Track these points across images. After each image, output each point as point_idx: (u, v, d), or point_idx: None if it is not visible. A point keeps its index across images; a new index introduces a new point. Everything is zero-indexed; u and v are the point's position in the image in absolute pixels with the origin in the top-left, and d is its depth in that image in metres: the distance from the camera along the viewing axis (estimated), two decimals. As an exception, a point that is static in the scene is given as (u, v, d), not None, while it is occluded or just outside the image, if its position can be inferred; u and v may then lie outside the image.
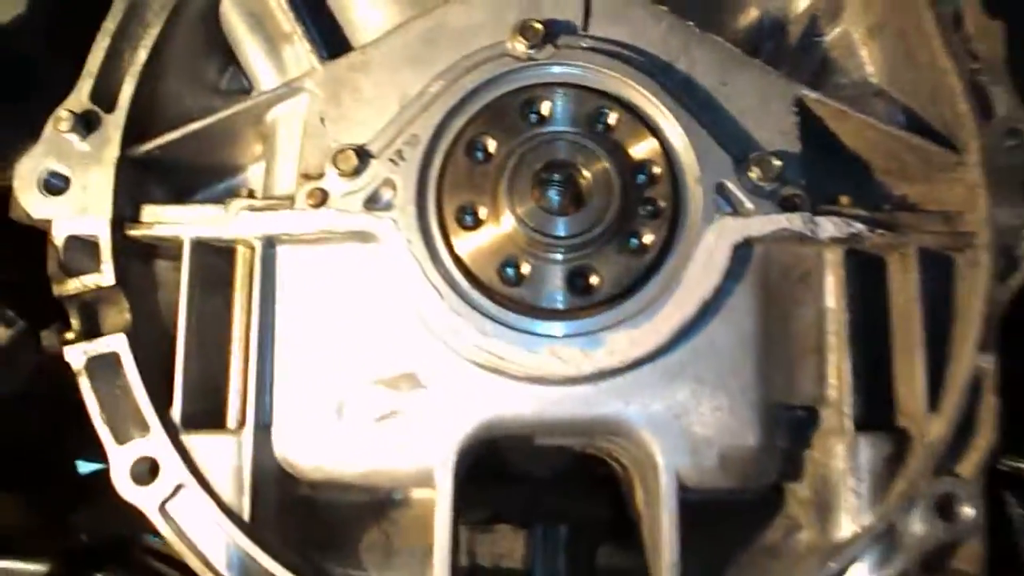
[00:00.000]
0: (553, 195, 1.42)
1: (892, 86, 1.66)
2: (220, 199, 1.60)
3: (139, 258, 1.53)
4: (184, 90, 1.62)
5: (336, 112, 1.51)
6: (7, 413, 1.67)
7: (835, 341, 1.49)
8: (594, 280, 1.44)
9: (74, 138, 1.46)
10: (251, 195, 1.54)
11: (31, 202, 1.45)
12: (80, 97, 1.48)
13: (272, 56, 1.60)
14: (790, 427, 1.51)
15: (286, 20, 1.57)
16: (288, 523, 1.51)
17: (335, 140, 1.50)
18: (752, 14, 1.71)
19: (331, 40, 1.61)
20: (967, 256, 1.51)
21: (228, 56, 1.67)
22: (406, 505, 1.58)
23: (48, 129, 1.47)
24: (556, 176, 1.43)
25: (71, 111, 1.46)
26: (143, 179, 1.53)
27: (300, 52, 1.57)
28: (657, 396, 1.44)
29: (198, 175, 1.62)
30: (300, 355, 1.47)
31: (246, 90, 1.68)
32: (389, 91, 1.51)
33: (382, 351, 1.45)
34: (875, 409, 1.51)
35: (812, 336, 1.50)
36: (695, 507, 1.45)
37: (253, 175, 1.63)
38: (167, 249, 1.54)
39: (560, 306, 1.43)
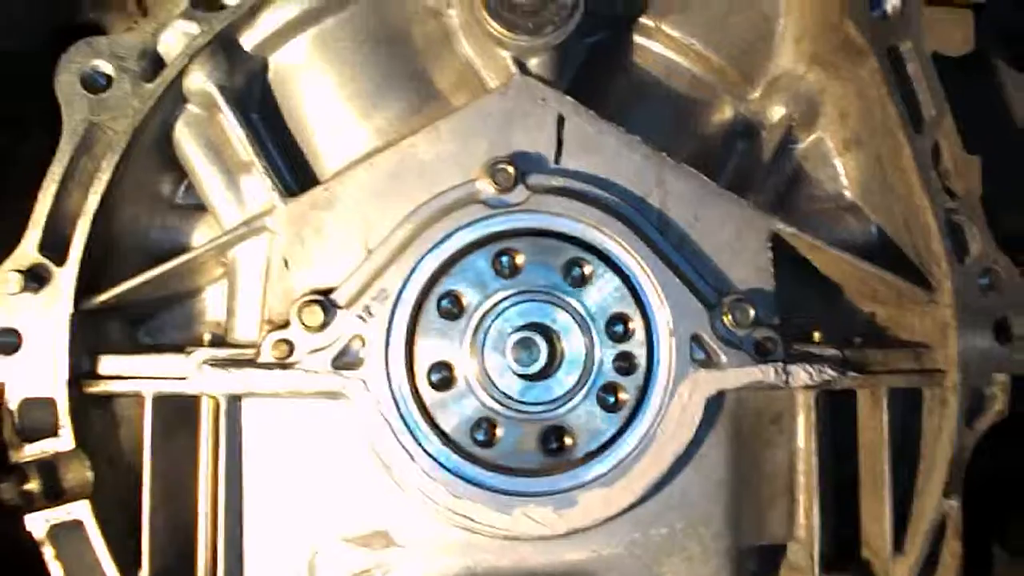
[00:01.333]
0: (528, 359, 1.39)
1: (866, 203, 1.64)
2: (180, 325, 1.57)
3: (98, 405, 1.48)
4: (140, 211, 1.55)
5: (300, 253, 1.46)
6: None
7: (805, 481, 1.50)
8: (567, 440, 1.43)
9: (24, 296, 1.40)
10: (213, 339, 1.48)
11: (-16, 363, 1.39)
12: (27, 250, 1.41)
13: (231, 188, 1.52)
14: (759, 560, 1.54)
15: (245, 150, 1.49)
16: None
17: (300, 284, 1.45)
18: (727, 113, 1.67)
19: (293, 166, 1.54)
20: (936, 393, 1.52)
21: (182, 172, 1.60)
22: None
23: (-4, 288, 1.40)
24: (531, 338, 1.40)
25: (18, 270, 1.38)
26: (99, 326, 1.47)
27: (260, 185, 1.50)
28: (629, 546, 1.45)
29: (155, 306, 1.56)
30: (269, 510, 1.45)
31: (202, 205, 1.61)
32: (355, 230, 1.45)
33: (353, 508, 1.44)
34: (843, 543, 1.54)
35: (783, 477, 1.51)
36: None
37: (213, 296, 1.58)
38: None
39: (533, 466, 1.43)
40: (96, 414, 1.48)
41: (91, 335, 1.45)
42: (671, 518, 1.45)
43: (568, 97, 1.49)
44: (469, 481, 1.41)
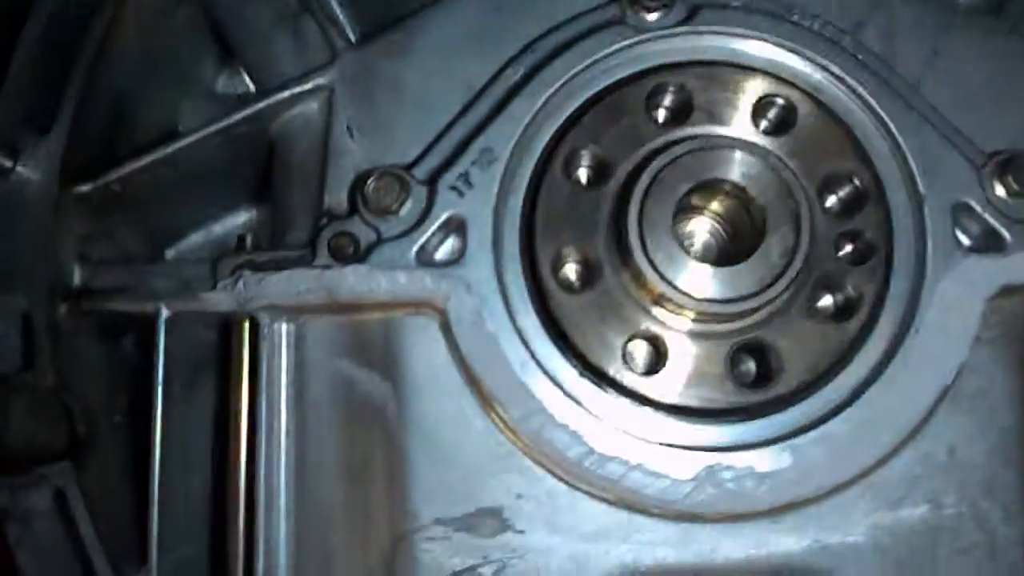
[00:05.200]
0: (709, 235, 0.92)
1: None
2: (215, 246, 1.18)
3: (95, 339, 1.08)
4: (170, 93, 1.19)
5: (369, 119, 1.06)
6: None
7: None
8: (773, 362, 0.95)
9: (-2, 173, 1.01)
10: (254, 245, 1.07)
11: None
12: (3, 114, 1.03)
13: (282, 37, 1.12)
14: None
15: (301, -12, 1.10)
16: None
17: (370, 158, 1.04)
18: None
19: (364, 15, 1.13)
20: None
21: (224, 56, 1.22)
22: None
23: (-45, 163, 1.02)
24: (712, 206, 0.93)
25: (-11, 134, 1.00)
26: (98, 228, 1.07)
27: (317, 33, 1.10)
28: (871, 532, 0.95)
29: (177, 219, 1.18)
30: (328, 481, 1.00)
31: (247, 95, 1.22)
32: (443, 85, 1.06)
33: (449, 475, 0.97)
34: None
35: (1101, 431, 0.99)
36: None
37: (253, 218, 1.20)
38: (131, 327, 1.09)
39: (723, 404, 0.95)
40: (92, 347, 1.07)
41: (87, 238, 1.06)
42: (936, 486, 0.96)
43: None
44: (624, 430, 0.94)
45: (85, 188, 1.05)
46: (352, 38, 1.10)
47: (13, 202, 1.03)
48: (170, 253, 1.22)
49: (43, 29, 1.07)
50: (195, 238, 1.22)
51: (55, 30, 1.07)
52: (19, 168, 1.04)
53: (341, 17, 1.12)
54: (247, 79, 1.24)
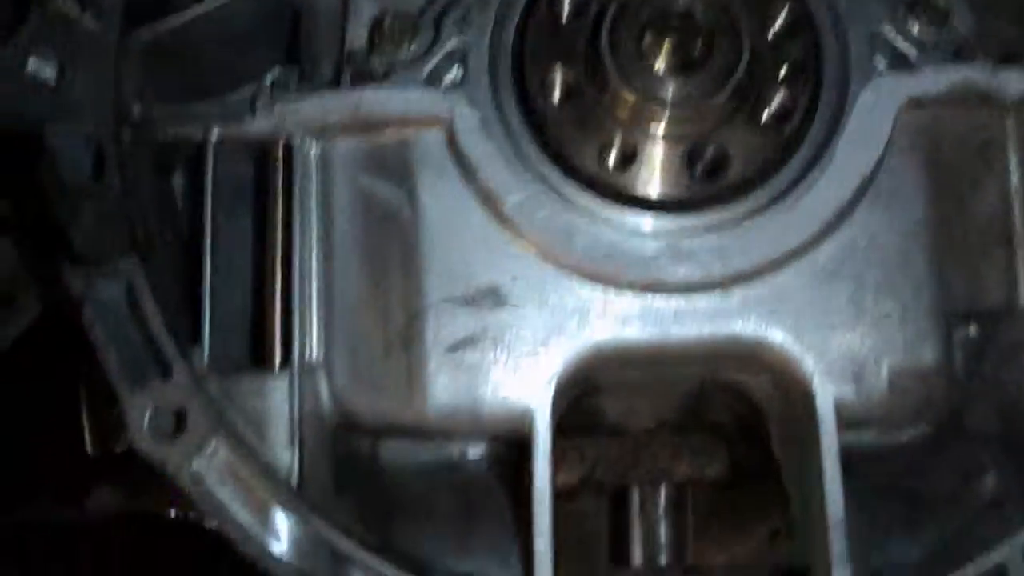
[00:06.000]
0: (667, 50, 1.11)
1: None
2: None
3: (148, 170, 1.25)
4: None
5: (381, -24, 1.23)
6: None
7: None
8: (722, 159, 1.13)
9: (67, 18, 1.19)
10: (284, 85, 1.26)
11: (18, 98, 1.17)
12: (69, -32, 1.21)
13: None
14: (969, 342, 1.20)
15: None
16: (345, 486, 1.22)
17: (382, 9, 1.22)
18: None
19: None
20: None
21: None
22: (484, 464, 1.30)
23: (33, 8, 1.19)
24: (670, 25, 1.12)
25: (56, -7, 1.18)
26: (152, 72, 1.25)
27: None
28: (806, 305, 1.13)
29: (213, 77, 1.31)
30: (352, 274, 1.18)
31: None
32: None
33: (454, 262, 1.16)
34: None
35: (997, 224, 1.18)
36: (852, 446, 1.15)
37: (283, 76, 1.34)
38: (181, 159, 1.27)
39: (681, 194, 1.13)
40: (146, 178, 1.24)
41: (141, 81, 1.23)
42: (858, 267, 1.13)
43: None
44: (600, 217, 1.13)
45: (142, 34, 1.23)
46: None
47: (82, 45, 1.22)
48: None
49: None
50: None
51: None
52: (86, 14, 1.22)
53: None
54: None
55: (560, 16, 1.16)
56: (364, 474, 1.27)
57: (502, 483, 1.29)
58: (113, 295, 1.16)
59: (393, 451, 1.27)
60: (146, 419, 1.12)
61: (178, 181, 1.31)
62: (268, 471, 1.13)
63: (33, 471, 1.56)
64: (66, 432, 1.60)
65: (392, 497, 1.28)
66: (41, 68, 1.19)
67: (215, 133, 1.20)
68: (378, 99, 1.16)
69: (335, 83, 1.21)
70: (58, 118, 1.18)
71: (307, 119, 1.18)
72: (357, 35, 1.22)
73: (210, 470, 1.12)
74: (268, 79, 1.33)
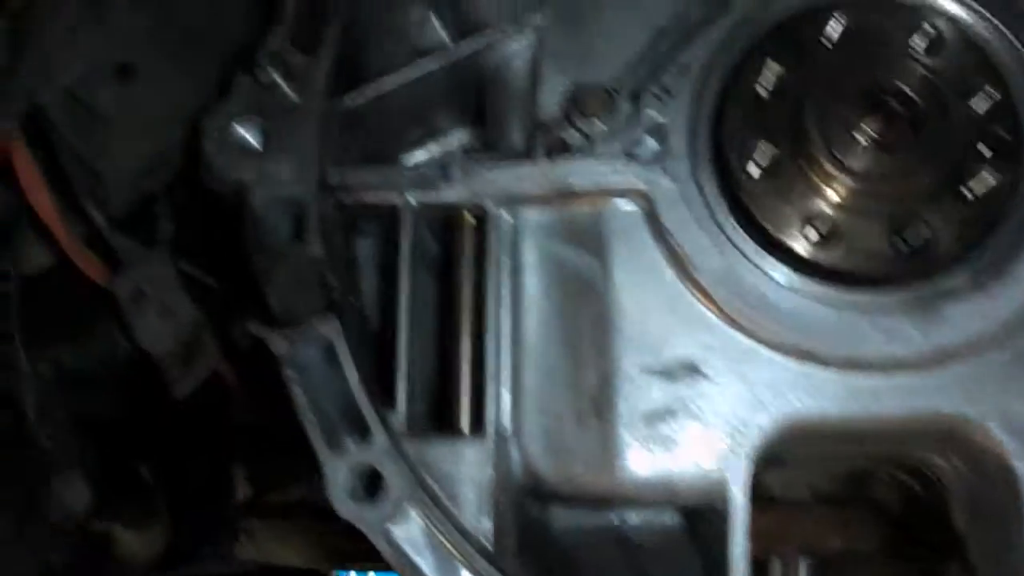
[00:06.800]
0: (875, 127, 1.12)
1: None
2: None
3: (339, 233, 1.29)
4: (382, 39, 1.37)
5: (575, 47, 1.25)
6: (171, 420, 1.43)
7: None
8: (927, 234, 1.13)
9: (273, 88, 1.23)
10: (474, 150, 1.29)
11: (224, 163, 1.22)
12: (278, 39, 1.25)
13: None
14: None
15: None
16: (527, 552, 1.23)
17: (576, 80, 1.24)
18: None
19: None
20: None
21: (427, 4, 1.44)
22: (648, 530, 1.29)
23: (241, 78, 1.24)
24: (880, 102, 1.13)
25: (271, 53, 1.23)
26: (344, 138, 1.29)
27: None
28: (1010, 384, 1.12)
29: (401, 135, 1.36)
30: (544, 341, 1.20)
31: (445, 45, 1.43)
32: (636, 17, 1.25)
33: (648, 332, 1.16)
34: None
35: None
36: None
37: (465, 136, 1.38)
38: (367, 222, 1.30)
39: (883, 269, 1.13)
40: (338, 236, 1.28)
41: (338, 145, 1.27)
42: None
43: None
44: (801, 290, 1.13)
45: (342, 103, 1.28)
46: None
47: (286, 114, 1.25)
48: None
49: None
50: (409, 159, 1.40)
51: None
52: (291, 84, 1.27)
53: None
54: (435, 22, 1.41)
55: (761, 90, 1.17)
56: (537, 538, 1.27)
57: (671, 549, 1.29)
58: (313, 357, 1.18)
59: (561, 515, 1.28)
60: (344, 480, 1.15)
61: (362, 243, 1.35)
62: (462, 535, 1.13)
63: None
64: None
65: (563, 561, 1.28)
66: (247, 135, 1.24)
67: (410, 200, 1.23)
68: (576, 172, 1.18)
69: (527, 152, 1.23)
70: (261, 183, 1.24)
71: (502, 189, 1.20)
72: (549, 104, 1.24)
73: (406, 533, 1.13)
74: (454, 141, 1.37)
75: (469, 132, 1.36)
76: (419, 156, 1.38)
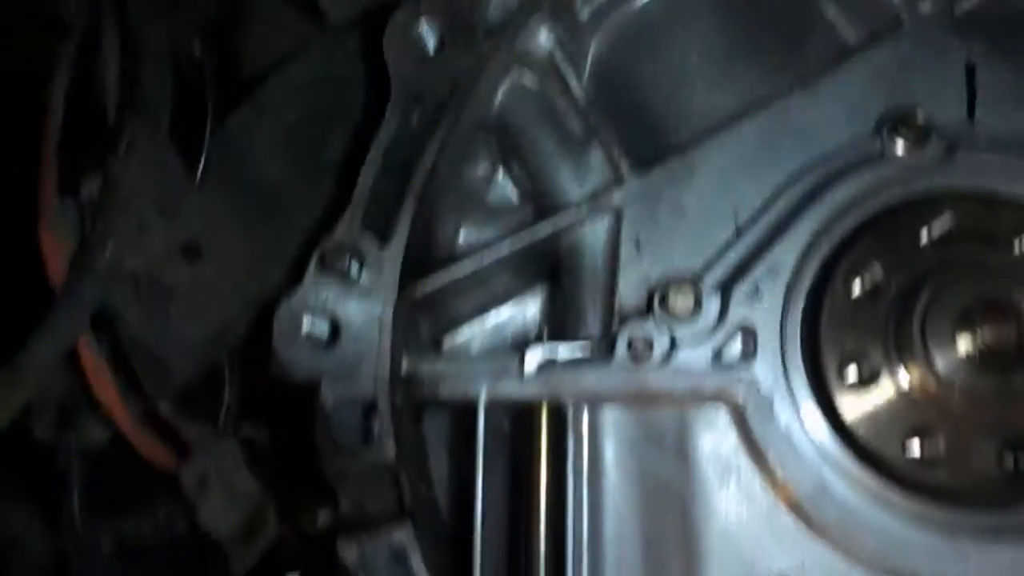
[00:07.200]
0: (983, 339, 1.07)
1: None
2: (488, 337, 1.32)
3: (412, 422, 1.25)
4: (451, 202, 1.33)
5: (654, 234, 1.21)
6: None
7: None
8: (1034, 454, 1.08)
9: (345, 278, 1.20)
10: (538, 336, 1.24)
11: (294, 357, 1.19)
12: (350, 226, 1.22)
13: (568, 163, 1.28)
14: None
15: (587, 120, 1.27)
16: None
17: (655, 269, 1.19)
18: None
19: (639, 142, 1.29)
20: None
21: (493, 162, 1.40)
22: None
23: (312, 267, 1.21)
24: (989, 313, 1.07)
25: (342, 243, 1.19)
26: (415, 324, 1.25)
27: (601, 159, 1.27)
28: None
29: (459, 313, 1.31)
30: (624, 547, 1.14)
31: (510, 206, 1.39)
32: (720, 203, 1.21)
33: (738, 545, 1.11)
34: None
35: None
36: None
37: (531, 308, 1.33)
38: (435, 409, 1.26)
39: (989, 489, 1.07)
40: (408, 425, 1.24)
41: (409, 333, 1.24)
42: None
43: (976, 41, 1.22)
44: (905, 515, 1.07)
45: (413, 291, 1.24)
46: (637, 162, 1.25)
47: (356, 304, 1.20)
48: (447, 340, 1.35)
49: (385, 150, 1.24)
50: (470, 327, 1.35)
51: (393, 152, 1.24)
52: (364, 272, 1.23)
53: (619, 144, 1.28)
54: (512, 191, 1.39)
55: (856, 292, 1.12)
56: None
57: None
58: (383, 563, 1.15)
59: None
60: None
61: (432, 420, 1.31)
62: None
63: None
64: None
65: None
66: (316, 328, 1.21)
67: (485, 393, 1.18)
68: (662, 377, 1.13)
69: (605, 343, 1.18)
70: (332, 379, 1.20)
71: (582, 389, 1.16)
72: (628, 294, 1.20)
73: None
74: (524, 312, 1.32)
75: (540, 303, 1.31)
76: (472, 328, 1.32)
